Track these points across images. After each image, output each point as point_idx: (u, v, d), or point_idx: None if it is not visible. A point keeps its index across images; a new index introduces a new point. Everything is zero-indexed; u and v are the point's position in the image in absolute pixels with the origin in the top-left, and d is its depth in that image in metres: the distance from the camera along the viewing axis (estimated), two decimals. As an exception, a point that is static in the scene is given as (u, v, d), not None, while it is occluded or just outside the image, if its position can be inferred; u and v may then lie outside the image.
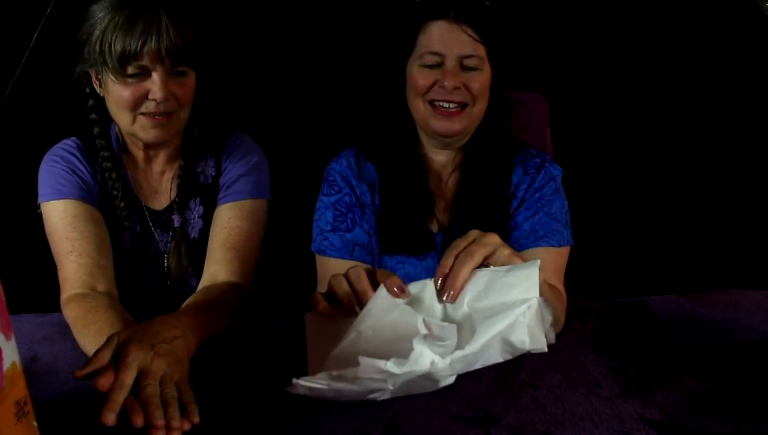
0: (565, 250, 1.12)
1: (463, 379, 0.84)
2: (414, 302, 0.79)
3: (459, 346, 0.72)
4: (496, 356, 0.74)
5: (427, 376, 0.71)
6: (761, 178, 1.83)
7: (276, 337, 1.03)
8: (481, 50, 1.08)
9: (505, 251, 0.80)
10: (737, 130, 1.83)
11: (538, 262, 0.77)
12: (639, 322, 1.04)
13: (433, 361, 0.70)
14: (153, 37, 1.03)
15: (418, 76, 1.10)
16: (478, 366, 0.74)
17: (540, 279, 0.76)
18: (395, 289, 0.78)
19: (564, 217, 1.14)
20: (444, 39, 1.08)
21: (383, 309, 0.77)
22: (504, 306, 0.74)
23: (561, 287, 1.07)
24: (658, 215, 1.88)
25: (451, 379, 0.74)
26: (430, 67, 1.09)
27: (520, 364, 0.89)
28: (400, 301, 0.78)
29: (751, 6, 1.71)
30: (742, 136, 1.83)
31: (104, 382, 0.73)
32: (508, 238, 1.14)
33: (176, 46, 1.04)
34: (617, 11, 1.77)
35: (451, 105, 1.09)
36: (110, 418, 0.69)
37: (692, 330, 1.00)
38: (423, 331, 0.71)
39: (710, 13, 1.76)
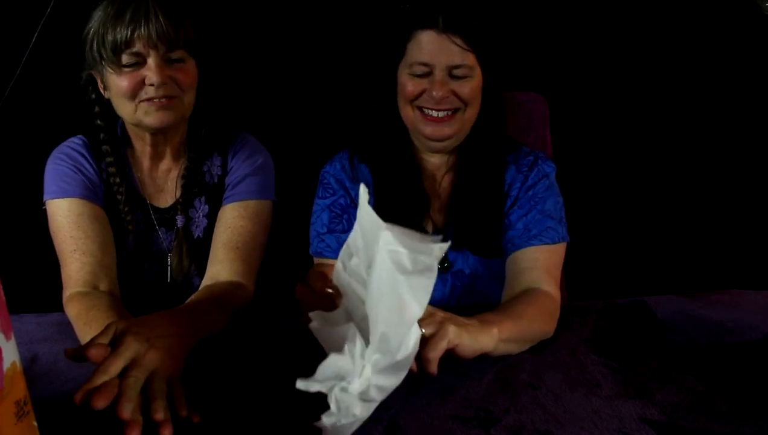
0: (560, 247, 1.12)
1: (464, 379, 0.84)
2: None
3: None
4: (425, 283, 0.65)
5: (389, 372, 0.66)
6: (761, 178, 1.83)
7: (278, 336, 1.03)
8: (470, 58, 1.08)
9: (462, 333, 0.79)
10: (737, 130, 1.83)
11: (365, 192, 0.69)
12: (639, 322, 1.04)
13: (343, 388, 0.66)
14: (142, 23, 1.05)
15: (408, 84, 1.10)
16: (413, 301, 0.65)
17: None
18: (327, 289, 0.74)
19: (558, 213, 1.14)
20: (432, 49, 1.07)
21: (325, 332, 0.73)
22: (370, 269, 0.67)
23: (556, 285, 1.07)
24: (658, 215, 1.88)
25: (411, 346, 0.67)
26: (419, 75, 1.09)
27: (520, 363, 0.89)
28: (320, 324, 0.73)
29: (751, 6, 1.71)
30: (742, 136, 1.83)
31: (95, 352, 0.73)
32: (502, 238, 1.14)
33: (167, 31, 1.06)
34: (617, 11, 1.77)
35: (440, 113, 1.09)
36: (78, 396, 0.69)
37: (692, 330, 1.00)
38: (311, 389, 0.66)
39: (710, 13, 1.76)
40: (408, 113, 1.13)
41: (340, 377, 0.66)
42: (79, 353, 0.74)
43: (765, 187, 1.83)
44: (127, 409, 0.69)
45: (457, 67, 1.07)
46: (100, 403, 0.68)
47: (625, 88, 1.81)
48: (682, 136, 1.84)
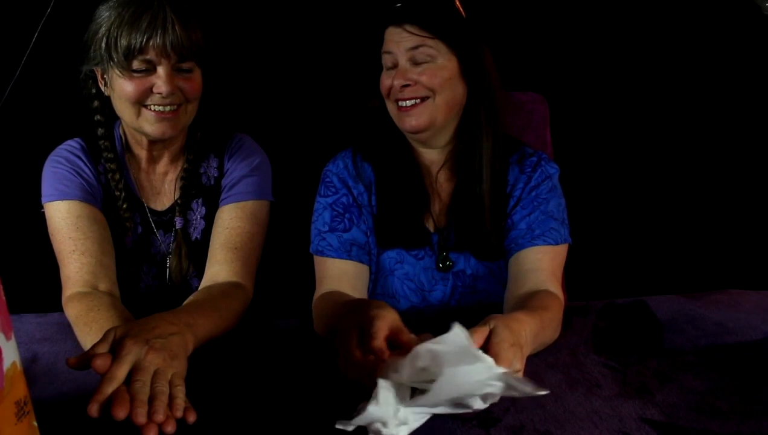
0: (562, 248, 1.12)
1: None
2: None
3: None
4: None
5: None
6: (761, 178, 1.83)
7: (277, 336, 1.03)
8: (431, 42, 1.10)
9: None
10: (737, 130, 1.83)
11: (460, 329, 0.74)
12: (639, 322, 1.04)
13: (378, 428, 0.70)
14: (159, 32, 1.04)
15: (383, 79, 1.15)
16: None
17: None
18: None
19: (561, 214, 1.14)
20: (393, 38, 1.12)
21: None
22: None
23: (558, 286, 1.07)
24: (658, 215, 1.88)
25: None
26: (390, 69, 1.14)
27: (520, 364, 0.89)
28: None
29: (751, 6, 1.71)
30: (742, 136, 1.83)
31: (101, 362, 0.74)
32: (505, 238, 1.14)
33: (182, 42, 1.06)
34: (617, 11, 1.77)
35: (408, 102, 1.12)
36: (93, 408, 0.70)
37: (692, 330, 1.00)
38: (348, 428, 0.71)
39: (710, 13, 1.76)
40: (391, 109, 1.16)
41: (380, 421, 0.70)
42: (81, 362, 0.76)
43: (765, 187, 1.83)
44: (142, 414, 0.70)
45: (415, 48, 1.10)
46: (122, 413, 0.70)
47: (625, 88, 1.81)
48: (681, 136, 1.84)
